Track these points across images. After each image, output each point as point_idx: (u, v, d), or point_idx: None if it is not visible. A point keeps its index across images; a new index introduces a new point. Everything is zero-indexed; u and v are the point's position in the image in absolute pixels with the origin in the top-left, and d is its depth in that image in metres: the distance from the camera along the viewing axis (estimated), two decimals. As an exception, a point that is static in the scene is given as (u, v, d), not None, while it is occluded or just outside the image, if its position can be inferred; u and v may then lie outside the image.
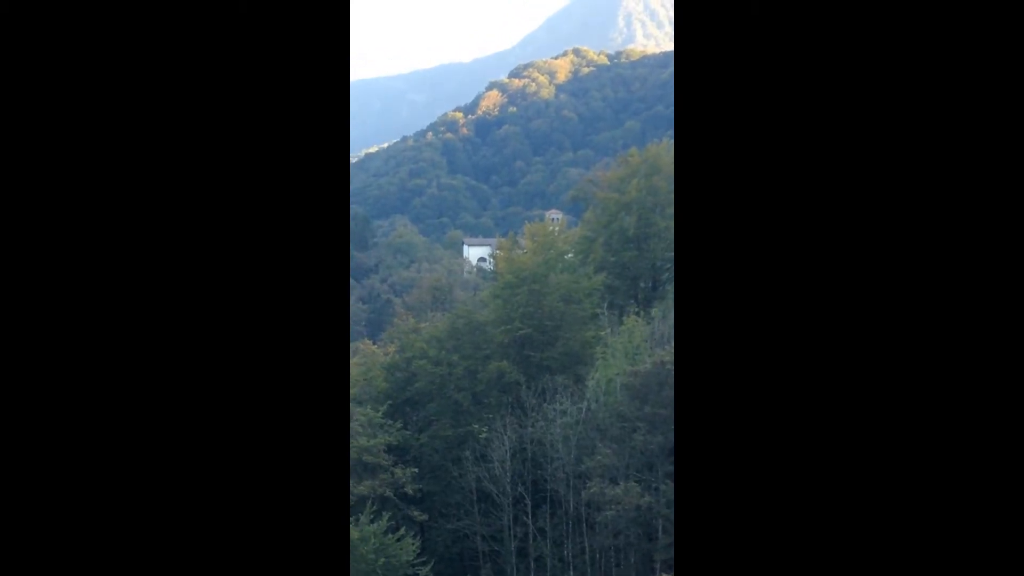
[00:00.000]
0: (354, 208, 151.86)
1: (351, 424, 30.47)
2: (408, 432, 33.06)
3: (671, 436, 25.69)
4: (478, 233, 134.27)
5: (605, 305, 36.44)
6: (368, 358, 36.67)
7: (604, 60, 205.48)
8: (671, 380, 25.68)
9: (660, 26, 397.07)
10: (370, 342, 43.44)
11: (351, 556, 24.00)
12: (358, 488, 29.09)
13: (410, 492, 31.05)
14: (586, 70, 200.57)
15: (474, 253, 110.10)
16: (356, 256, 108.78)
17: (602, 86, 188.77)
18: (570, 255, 42.65)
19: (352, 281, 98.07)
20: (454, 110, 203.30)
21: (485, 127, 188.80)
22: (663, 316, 33.95)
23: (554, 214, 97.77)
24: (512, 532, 30.91)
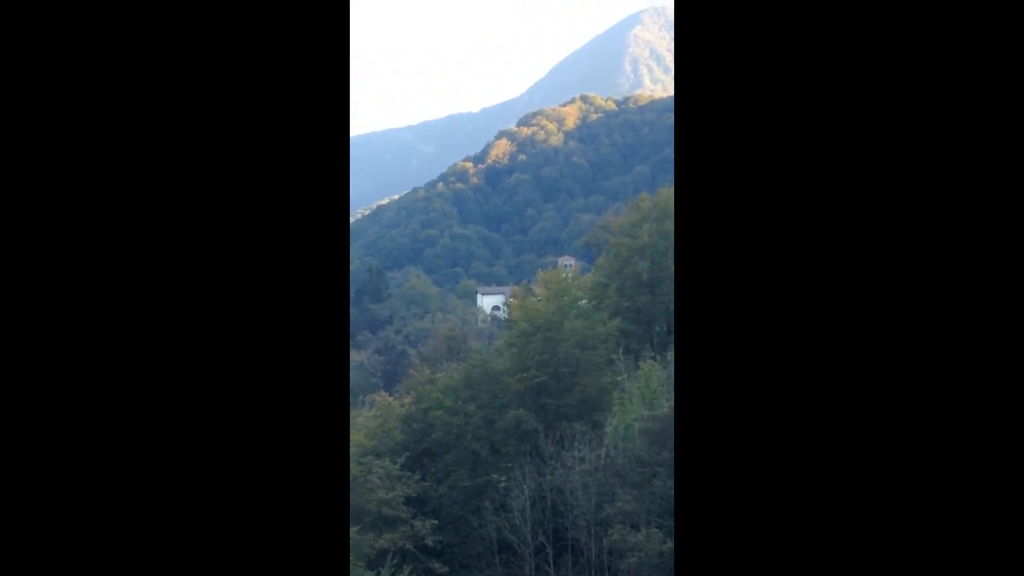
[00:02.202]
0: (368, 260, 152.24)
1: (369, 477, 30.36)
2: (427, 483, 32.86)
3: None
4: (491, 282, 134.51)
5: (620, 350, 36.32)
6: (384, 410, 36.58)
7: (612, 106, 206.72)
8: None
9: (667, 71, 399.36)
10: (386, 394, 43.35)
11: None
12: (378, 542, 28.87)
13: (430, 544, 30.79)
14: (594, 116, 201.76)
15: (488, 302, 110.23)
16: (370, 308, 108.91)
17: (611, 132, 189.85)
18: (584, 301, 42.63)
19: (367, 333, 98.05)
20: (464, 160, 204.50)
21: (495, 176, 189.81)
22: (679, 359, 33.69)
23: (567, 260, 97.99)
24: (534, 582, 30.59)
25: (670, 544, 26.96)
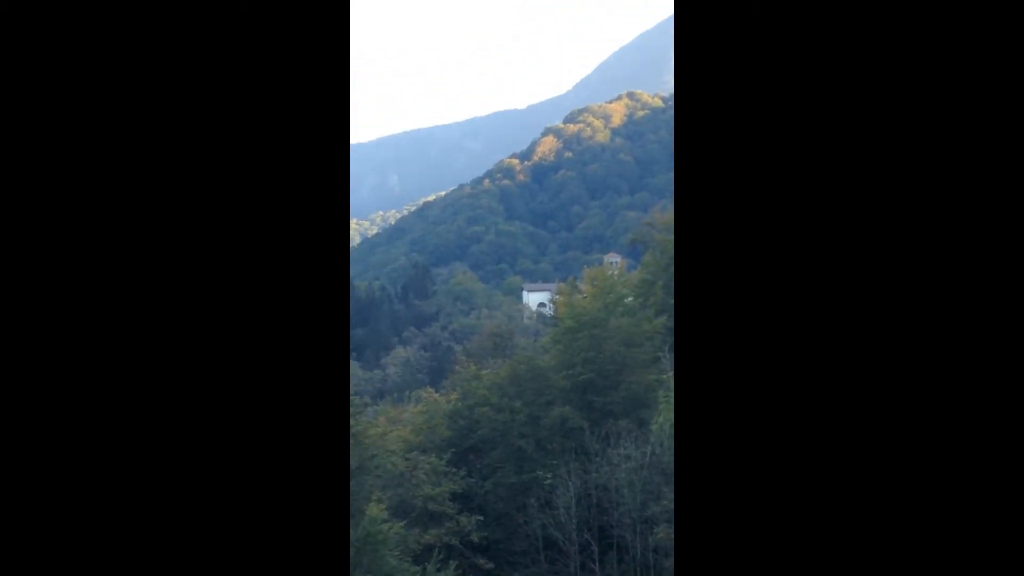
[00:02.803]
0: (414, 257, 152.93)
1: (416, 472, 30.54)
2: (472, 480, 32.97)
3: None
4: (537, 279, 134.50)
5: (667, 348, 36.17)
6: (431, 406, 36.74)
7: (658, 103, 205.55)
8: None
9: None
10: (432, 390, 43.54)
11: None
12: (424, 537, 29.04)
13: (476, 540, 30.92)
14: (641, 113, 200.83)
15: (534, 299, 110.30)
16: (417, 304, 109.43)
17: (657, 128, 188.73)
18: (630, 298, 42.48)
19: (414, 329, 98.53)
20: (510, 156, 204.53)
21: (541, 173, 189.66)
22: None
23: (613, 257, 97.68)
24: (579, 580, 30.59)
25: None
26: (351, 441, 25.72)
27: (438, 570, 27.32)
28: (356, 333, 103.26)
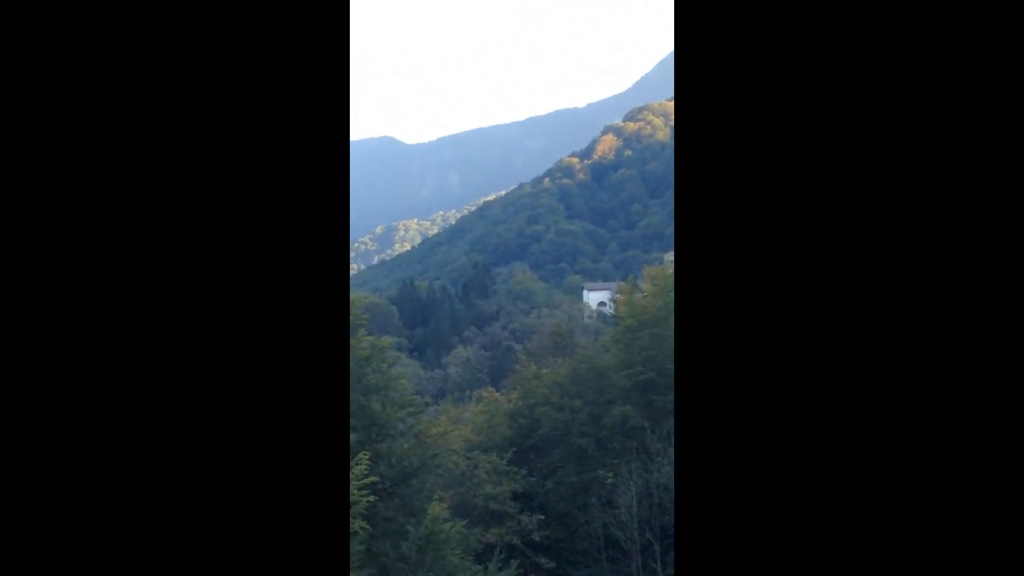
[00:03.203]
0: (474, 256, 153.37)
1: (477, 472, 30.63)
2: (533, 479, 32.98)
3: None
4: (597, 277, 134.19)
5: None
6: (491, 405, 36.82)
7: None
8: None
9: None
10: (493, 389, 43.63)
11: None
12: (485, 536, 29.13)
13: (537, 539, 30.92)
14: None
15: (594, 298, 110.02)
16: (477, 304, 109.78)
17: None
18: (691, 297, 42.12)
19: (474, 329, 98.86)
20: (570, 155, 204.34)
21: (601, 171, 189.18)
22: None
23: (673, 256, 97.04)
24: (641, 579, 30.46)
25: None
26: (412, 440, 25.88)
27: (500, 569, 27.38)
28: (416, 332, 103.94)
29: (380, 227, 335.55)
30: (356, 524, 19.21)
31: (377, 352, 26.19)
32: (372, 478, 20.95)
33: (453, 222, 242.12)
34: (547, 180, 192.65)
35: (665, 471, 30.47)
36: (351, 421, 25.25)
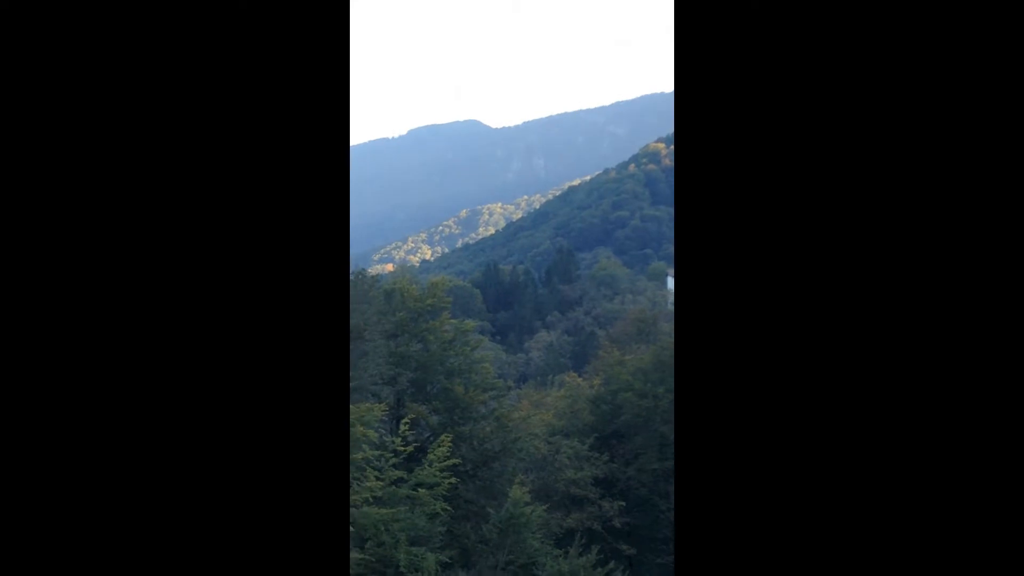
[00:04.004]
0: (558, 241, 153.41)
1: (558, 456, 30.65)
2: (615, 465, 32.91)
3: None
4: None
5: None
6: (574, 391, 36.82)
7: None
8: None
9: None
10: (575, 375, 43.63)
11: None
12: (566, 521, 29.16)
13: (618, 525, 30.87)
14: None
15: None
16: (561, 289, 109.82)
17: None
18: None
19: (557, 314, 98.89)
20: (656, 141, 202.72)
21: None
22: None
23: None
24: (722, 569, 30.20)
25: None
26: (494, 424, 26.00)
27: (580, 554, 27.39)
28: (500, 316, 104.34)
29: (464, 211, 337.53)
30: (438, 505, 19.38)
31: (460, 335, 26.36)
32: (454, 460, 21.11)
33: (537, 206, 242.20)
34: (632, 166, 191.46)
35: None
36: (433, 403, 25.48)
